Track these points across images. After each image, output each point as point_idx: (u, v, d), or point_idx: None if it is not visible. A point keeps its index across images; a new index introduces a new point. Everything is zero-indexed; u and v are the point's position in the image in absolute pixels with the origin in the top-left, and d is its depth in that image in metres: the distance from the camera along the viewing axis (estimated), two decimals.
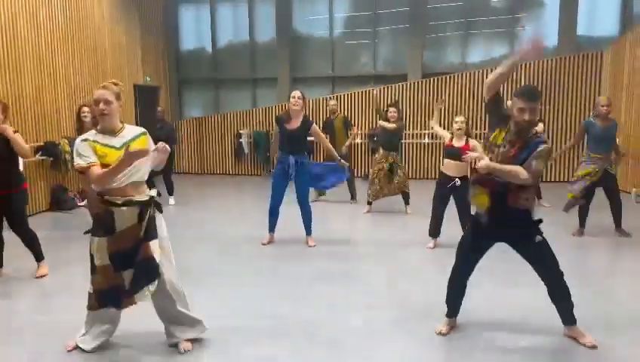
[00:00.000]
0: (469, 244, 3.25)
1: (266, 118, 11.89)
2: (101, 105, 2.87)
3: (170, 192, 8.28)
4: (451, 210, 5.41)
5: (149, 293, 2.90)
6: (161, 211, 3.07)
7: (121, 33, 10.22)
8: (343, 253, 5.42)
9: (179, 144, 11.82)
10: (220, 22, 12.62)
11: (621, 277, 4.78)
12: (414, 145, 11.09)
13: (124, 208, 2.86)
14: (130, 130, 3.01)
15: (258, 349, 3.20)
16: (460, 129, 5.19)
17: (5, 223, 4.58)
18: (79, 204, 7.80)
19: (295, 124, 5.39)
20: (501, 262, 4.03)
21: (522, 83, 10.28)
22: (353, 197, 8.28)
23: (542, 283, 3.22)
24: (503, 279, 4.43)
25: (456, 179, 5.24)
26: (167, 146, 2.99)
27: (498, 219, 3.02)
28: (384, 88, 11.09)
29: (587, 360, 3.04)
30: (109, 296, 2.94)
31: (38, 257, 4.70)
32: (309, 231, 5.69)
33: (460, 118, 5.25)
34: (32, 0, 7.55)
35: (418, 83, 11.02)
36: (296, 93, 5.37)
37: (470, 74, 10.71)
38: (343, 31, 12.03)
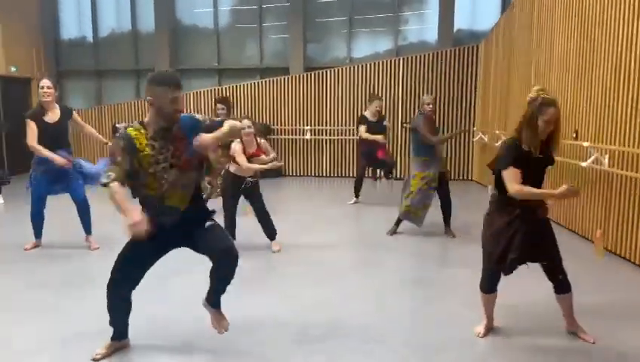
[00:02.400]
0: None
1: (144, 110, 11.22)
2: None
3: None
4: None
5: None
6: None
7: None
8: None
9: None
10: (102, 10, 11.89)
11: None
12: (294, 141, 10.65)
13: None
14: None
15: None
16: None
17: None
18: None
19: (55, 116, 4.84)
20: None
21: (402, 78, 10.03)
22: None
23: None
24: None
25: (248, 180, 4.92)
26: None
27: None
28: (268, 81, 10.63)
29: None
30: None
31: None
32: (88, 231, 5.17)
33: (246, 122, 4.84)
34: None
35: (301, 76, 10.59)
36: (45, 83, 4.80)
37: (354, 67, 10.36)
38: (229, 22, 11.51)
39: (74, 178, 4.93)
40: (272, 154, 5.03)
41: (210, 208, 2.87)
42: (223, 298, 2.85)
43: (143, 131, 2.56)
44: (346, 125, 10.39)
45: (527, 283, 3.47)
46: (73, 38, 12.13)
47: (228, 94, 10.73)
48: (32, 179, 4.92)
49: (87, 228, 5.12)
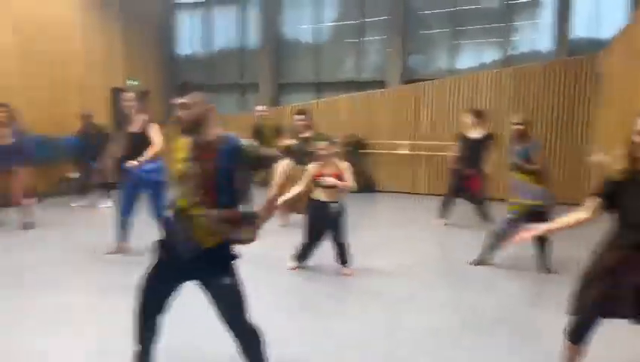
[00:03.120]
0: None
1: (247, 123, 11.58)
2: None
3: (107, 195, 8.25)
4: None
5: None
6: None
7: (97, 37, 10.39)
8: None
9: None
10: (214, 27, 12.58)
11: None
12: (390, 156, 10.28)
13: None
14: None
15: None
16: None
17: None
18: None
19: (136, 126, 5.08)
20: None
21: (510, 90, 9.25)
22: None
23: None
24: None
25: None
26: None
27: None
28: (365, 95, 10.44)
29: None
30: None
31: None
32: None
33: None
34: None
35: (398, 89, 10.24)
36: (126, 96, 5.10)
37: (457, 79, 9.78)
38: (329, 37, 11.54)
39: (155, 194, 5.21)
40: (346, 183, 4.56)
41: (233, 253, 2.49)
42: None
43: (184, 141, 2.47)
44: (444, 140, 9.83)
45: (622, 335, 2.84)
46: (188, 53, 12.96)
47: (325, 107, 10.72)
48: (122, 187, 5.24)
49: None
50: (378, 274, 4.83)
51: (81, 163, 8.30)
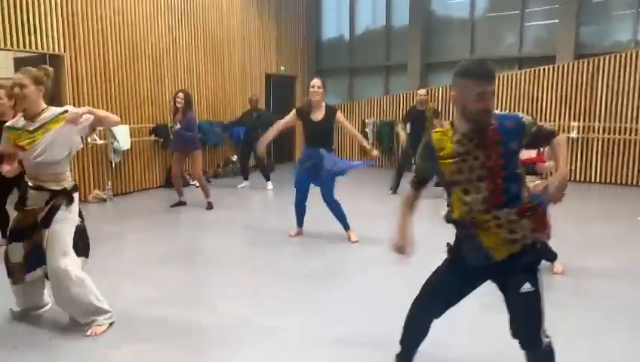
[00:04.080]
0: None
1: (393, 106, 11.29)
2: (16, 89, 2.91)
3: (267, 178, 8.44)
4: None
5: (40, 275, 3.05)
6: (69, 205, 3.01)
7: (254, 23, 10.70)
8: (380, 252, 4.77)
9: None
10: (359, 9, 12.36)
11: None
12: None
13: (34, 191, 2.97)
14: (51, 112, 2.99)
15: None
16: None
17: None
18: (190, 183, 8.39)
19: (319, 115, 4.97)
20: None
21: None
22: (394, 189, 7.68)
23: None
24: None
25: None
26: (76, 112, 2.95)
27: None
28: (527, 73, 9.55)
29: None
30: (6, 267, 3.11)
31: None
32: (346, 226, 5.20)
33: None
34: None
35: (569, 65, 9.19)
36: (316, 82, 4.96)
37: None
38: (485, 10, 10.72)
39: (327, 179, 5.04)
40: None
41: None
42: None
43: (450, 133, 2.14)
44: (625, 122, 8.65)
45: None
46: (332, 37, 12.92)
47: None
48: (297, 174, 5.23)
49: (344, 223, 5.19)
50: (593, 276, 4.24)
51: (245, 146, 8.56)
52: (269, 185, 8.41)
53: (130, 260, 4.60)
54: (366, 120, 11.52)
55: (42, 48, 6.61)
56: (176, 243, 5.22)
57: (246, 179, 8.60)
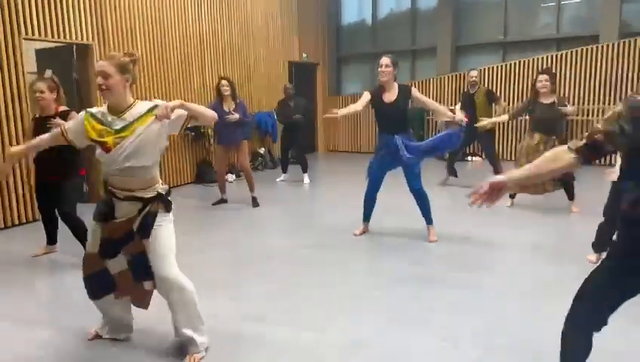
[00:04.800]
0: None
1: (423, 92, 10.83)
2: (99, 80, 2.45)
3: (304, 170, 8.00)
4: None
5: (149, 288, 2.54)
6: (168, 211, 2.60)
7: (277, 10, 10.21)
8: (463, 255, 4.38)
9: (331, 121, 11.61)
10: None
11: None
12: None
13: (125, 203, 2.54)
14: (139, 108, 2.53)
15: None
16: None
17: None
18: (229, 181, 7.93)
19: (392, 96, 4.51)
20: None
21: None
22: (454, 174, 7.27)
23: None
24: None
25: None
26: (166, 106, 2.46)
27: None
28: (567, 54, 9.13)
29: None
30: (95, 283, 2.67)
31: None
32: (429, 220, 4.73)
33: None
34: None
35: (614, 45, 8.77)
36: (384, 61, 4.50)
37: None
38: None
39: (410, 165, 4.60)
40: None
41: None
42: None
43: None
44: None
45: None
46: (352, 22, 12.41)
47: (514, 70, 9.62)
48: (371, 163, 4.78)
49: (427, 216, 4.73)
50: None
51: (287, 138, 8.10)
52: (306, 178, 7.99)
53: (199, 268, 4.10)
54: None
55: (70, 38, 6.13)
56: (240, 246, 4.77)
57: (285, 172, 8.17)
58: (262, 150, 9.59)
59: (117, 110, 2.51)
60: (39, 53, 6.83)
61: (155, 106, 2.52)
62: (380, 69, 4.53)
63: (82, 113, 2.61)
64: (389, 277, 3.84)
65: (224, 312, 3.22)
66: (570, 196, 5.66)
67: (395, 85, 4.59)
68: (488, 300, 3.38)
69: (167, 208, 2.57)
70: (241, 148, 6.28)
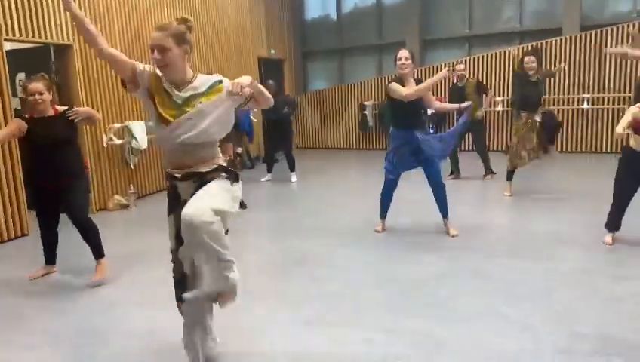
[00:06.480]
0: None
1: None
2: (155, 54, 2.21)
3: (292, 169, 7.88)
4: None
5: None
6: (235, 180, 2.37)
7: (245, 7, 9.95)
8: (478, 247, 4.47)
9: (299, 118, 11.57)
10: None
11: None
12: (570, 112, 9.40)
13: (182, 183, 2.33)
14: (202, 81, 2.33)
15: None
16: None
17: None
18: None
19: (410, 90, 4.49)
20: None
21: None
22: (456, 173, 7.27)
23: None
24: None
25: None
26: (239, 82, 2.30)
27: None
28: (531, 46, 9.52)
29: None
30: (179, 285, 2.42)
31: (98, 254, 3.98)
32: (445, 213, 4.74)
33: None
34: None
35: (575, 38, 9.24)
36: (404, 54, 4.47)
37: None
38: None
39: (430, 159, 4.63)
40: None
41: None
42: None
43: None
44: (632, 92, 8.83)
45: None
46: (317, 17, 12.34)
47: (479, 64, 9.92)
48: (389, 161, 4.75)
49: (444, 211, 4.77)
50: None
51: (274, 137, 7.96)
52: (294, 176, 7.88)
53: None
54: (365, 102, 11.13)
55: (50, 38, 5.69)
56: (261, 250, 4.61)
57: (269, 171, 8.00)
58: (239, 150, 9.34)
59: (177, 85, 2.30)
60: (9, 54, 6.27)
61: (220, 81, 2.36)
62: (399, 62, 4.48)
63: (150, 66, 2.35)
64: (431, 273, 3.83)
65: (276, 321, 3.12)
66: (552, 141, 6.02)
67: (412, 79, 4.59)
68: (543, 286, 3.47)
69: (234, 179, 2.35)
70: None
